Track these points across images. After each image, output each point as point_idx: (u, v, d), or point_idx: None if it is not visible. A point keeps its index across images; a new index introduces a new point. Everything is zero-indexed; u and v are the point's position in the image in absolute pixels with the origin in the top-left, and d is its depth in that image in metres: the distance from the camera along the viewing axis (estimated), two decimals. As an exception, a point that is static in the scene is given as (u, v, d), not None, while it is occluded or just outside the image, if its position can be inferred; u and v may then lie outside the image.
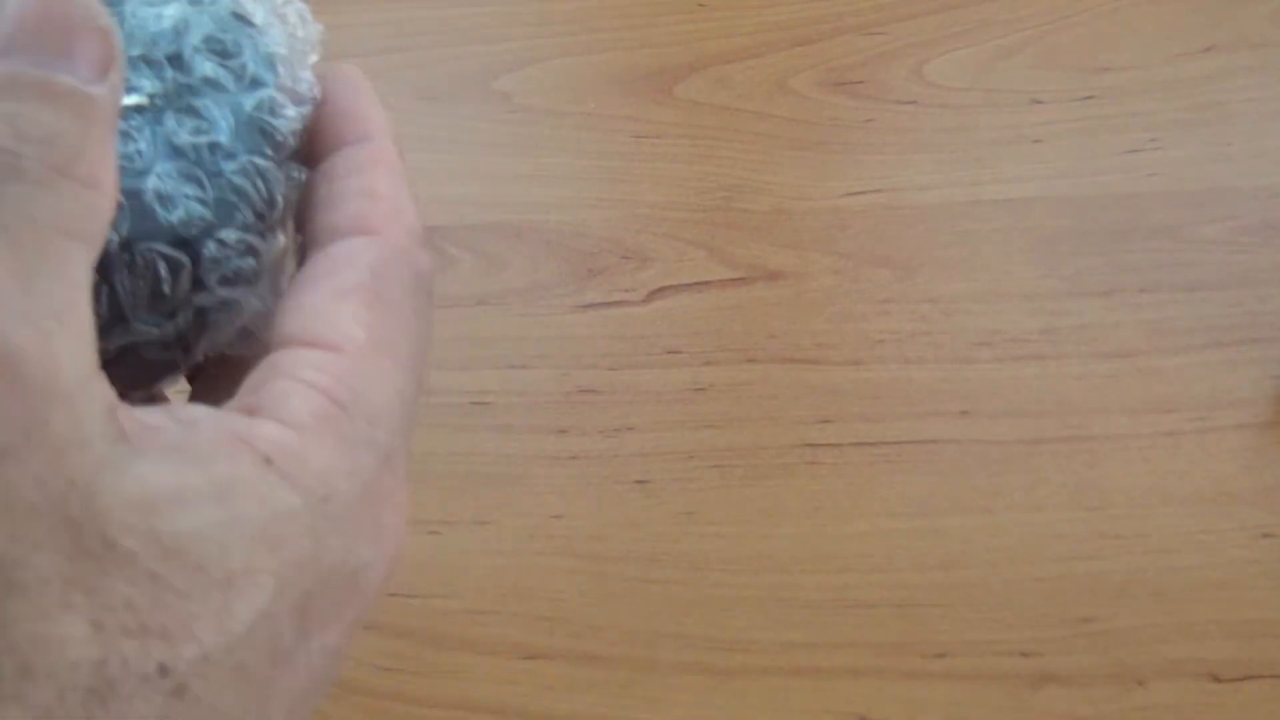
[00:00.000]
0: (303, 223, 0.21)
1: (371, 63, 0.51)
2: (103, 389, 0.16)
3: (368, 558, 0.18)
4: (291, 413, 0.17)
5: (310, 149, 0.22)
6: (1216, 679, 0.39)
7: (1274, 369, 0.44)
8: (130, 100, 0.19)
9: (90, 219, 0.17)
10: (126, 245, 0.19)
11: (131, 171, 0.19)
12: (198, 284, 0.20)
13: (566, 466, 0.43)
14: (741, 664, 0.40)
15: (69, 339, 0.16)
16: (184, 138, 0.20)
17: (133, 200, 0.19)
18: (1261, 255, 0.47)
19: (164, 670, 0.15)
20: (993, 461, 0.43)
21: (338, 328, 0.19)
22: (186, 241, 0.20)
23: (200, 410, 0.17)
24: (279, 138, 0.21)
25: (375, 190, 0.20)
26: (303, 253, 0.21)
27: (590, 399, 0.45)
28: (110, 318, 0.19)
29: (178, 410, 0.17)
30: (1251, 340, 0.45)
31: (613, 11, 0.54)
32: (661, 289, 0.47)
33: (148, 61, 0.20)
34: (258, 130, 0.21)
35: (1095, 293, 0.46)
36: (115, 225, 0.18)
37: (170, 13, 0.20)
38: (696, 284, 0.47)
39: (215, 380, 0.22)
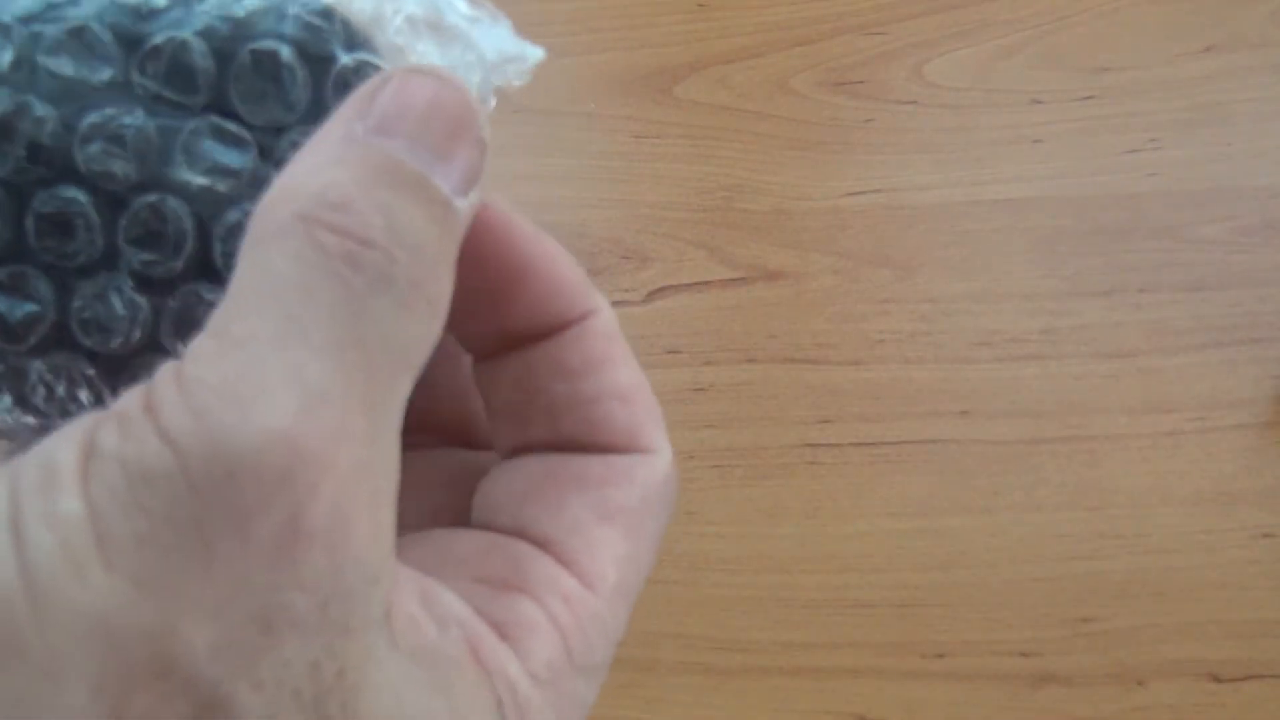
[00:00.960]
0: (528, 412, 0.19)
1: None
2: (394, 567, 0.15)
3: None
4: (531, 657, 0.16)
5: (506, 317, 0.19)
6: (1216, 679, 0.39)
7: (1274, 369, 0.44)
8: None
9: (425, 350, 0.15)
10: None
11: None
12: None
13: (566, 466, 0.43)
14: (741, 664, 0.40)
15: (389, 505, 0.14)
16: None
17: None
18: (1261, 255, 0.47)
19: None
20: (993, 461, 0.43)
21: (595, 559, 0.17)
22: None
23: (457, 607, 0.16)
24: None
25: (624, 389, 0.19)
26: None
27: (590, 399, 0.45)
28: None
29: (434, 597, 0.16)
30: (1251, 340, 0.45)
31: (613, 11, 0.54)
32: (661, 289, 0.47)
33: None
34: None
35: (1095, 293, 0.46)
36: None
37: None
38: (696, 284, 0.47)
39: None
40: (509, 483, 0.18)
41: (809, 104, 0.51)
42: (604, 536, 0.18)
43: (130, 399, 0.13)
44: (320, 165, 0.15)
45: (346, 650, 0.13)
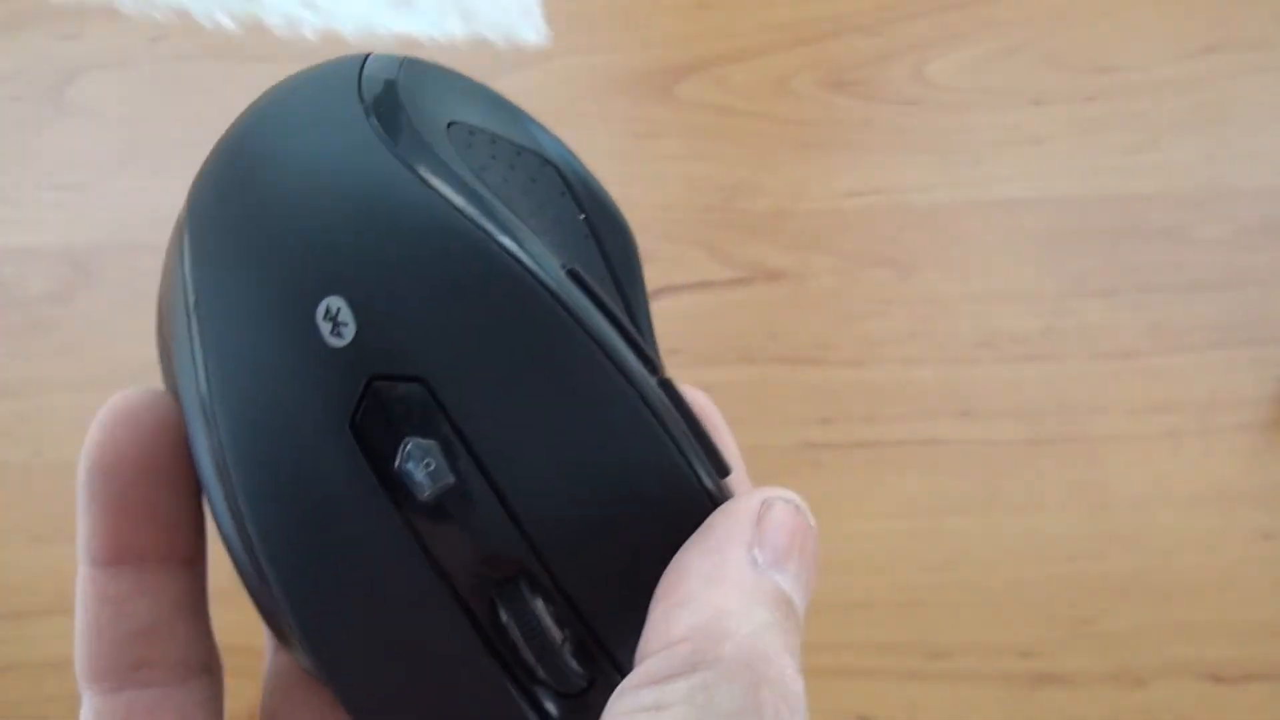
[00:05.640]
0: None
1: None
2: None
3: None
4: None
5: None
6: (1217, 679, 0.39)
7: (1274, 369, 0.44)
8: None
9: None
10: None
11: None
12: None
13: (566, 466, 0.43)
14: (741, 664, 0.40)
15: None
16: None
17: None
18: (1261, 255, 0.47)
19: None
20: (993, 461, 0.43)
21: None
22: None
23: None
24: None
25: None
26: None
27: (590, 399, 0.45)
28: None
29: None
30: (1252, 340, 0.45)
31: (613, 11, 0.54)
32: (661, 289, 0.47)
33: None
34: None
35: (1095, 293, 0.46)
36: None
37: None
38: (696, 284, 0.47)
39: None
40: None
41: (809, 104, 0.51)
42: None
43: None
44: (743, 597, 0.17)
45: None
